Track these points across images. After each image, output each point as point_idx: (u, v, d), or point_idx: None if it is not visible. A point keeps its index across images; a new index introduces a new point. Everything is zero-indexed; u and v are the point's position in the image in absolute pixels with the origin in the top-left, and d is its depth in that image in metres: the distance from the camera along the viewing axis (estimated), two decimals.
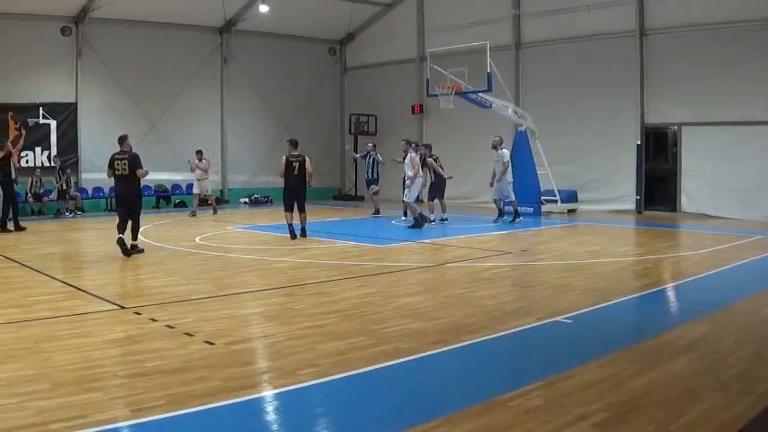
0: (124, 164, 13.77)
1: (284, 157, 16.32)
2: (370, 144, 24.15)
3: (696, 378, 6.14)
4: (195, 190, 23.62)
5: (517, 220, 19.72)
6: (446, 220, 19.49)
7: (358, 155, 24.49)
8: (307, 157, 16.39)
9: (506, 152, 19.72)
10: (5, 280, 11.16)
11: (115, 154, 13.95)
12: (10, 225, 18.11)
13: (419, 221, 18.08)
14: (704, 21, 20.53)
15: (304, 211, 16.41)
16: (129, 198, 14.05)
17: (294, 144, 16.49)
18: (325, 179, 29.32)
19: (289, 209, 16.25)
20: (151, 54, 26.08)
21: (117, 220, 13.85)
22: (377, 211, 22.41)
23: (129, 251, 13.60)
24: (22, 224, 18.62)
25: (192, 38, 27.35)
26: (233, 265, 13.09)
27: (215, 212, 23.35)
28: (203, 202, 24.06)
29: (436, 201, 19.75)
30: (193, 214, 22.68)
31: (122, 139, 14.13)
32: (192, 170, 23.40)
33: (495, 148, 19.55)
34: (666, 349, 7.02)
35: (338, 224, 20.17)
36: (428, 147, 19.91)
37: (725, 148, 20.55)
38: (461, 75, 21.00)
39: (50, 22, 24.01)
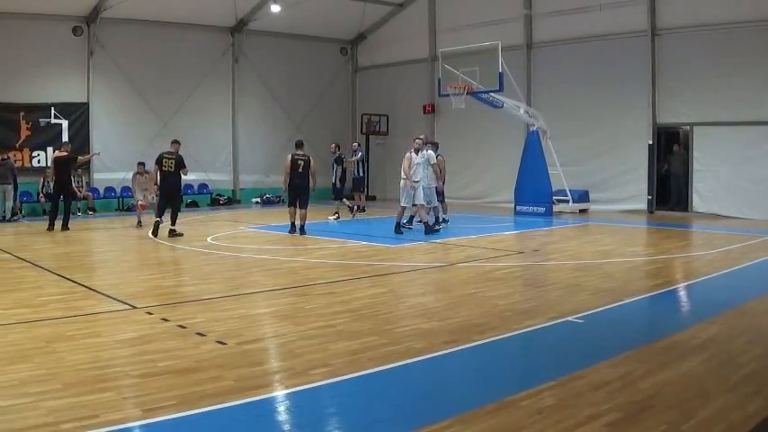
0: (171, 162, 16.83)
1: (290, 156, 17.43)
2: (356, 144, 24.62)
3: (707, 378, 6.11)
4: (137, 197, 20.28)
5: (437, 226, 17.94)
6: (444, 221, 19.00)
7: (353, 158, 24.20)
8: (311, 158, 17.51)
9: (432, 153, 17.94)
10: (17, 280, 11.21)
11: (164, 153, 17.00)
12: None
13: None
14: (716, 20, 20.46)
15: (305, 208, 17.32)
16: (172, 190, 17.03)
17: (299, 145, 17.73)
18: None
19: (293, 204, 17.33)
20: (163, 54, 26.17)
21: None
22: (362, 209, 23.01)
23: (157, 232, 16.45)
24: (41, 224, 19.10)
25: (203, 38, 27.43)
26: (244, 265, 13.12)
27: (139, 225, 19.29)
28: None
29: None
30: (140, 225, 19.24)
31: (173, 142, 17.36)
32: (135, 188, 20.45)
33: (417, 150, 17.43)
34: (678, 349, 7.00)
35: (349, 224, 20.16)
36: (435, 145, 19.27)
37: (737, 148, 20.47)
38: (473, 74, 20.97)
39: (62, 22, 24.10)
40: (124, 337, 7.51)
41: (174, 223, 16.82)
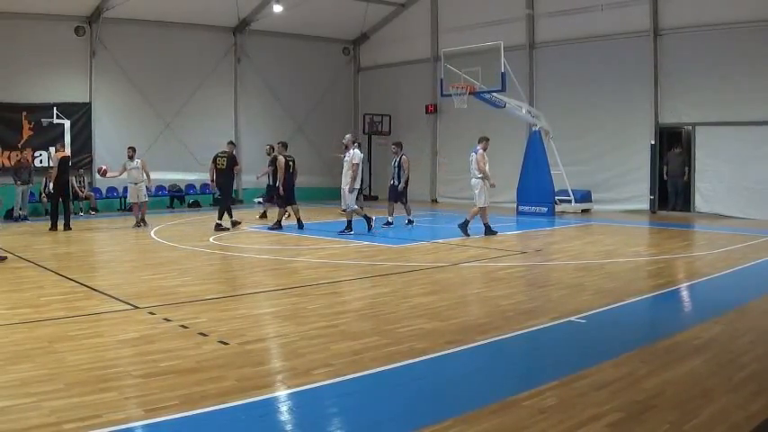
0: (223, 160, 18.48)
1: (283, 159, 18.55)
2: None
3: (710, 378, 6.11)
4: (131, 198, 20.02)
5: (348, 231, 17.35)
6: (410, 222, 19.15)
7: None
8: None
9: (357, 152, 17.75)
10: (19, 280, 11.21)
11: (219, 153, 18.70)
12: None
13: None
14: (718, 20, 20.44)
15: (296, 203, 18.84)
16: (224, 186, 18.70)
17: (286, 145, 19.11)
18: (339, 179, 29.23)
19: (293, 202, 18.65)
20: (165, 54, 26.16)
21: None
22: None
23: (226, 228, 17.93)
24: (43, 224, 19.21)
25: (205, 37, 27.43)
26: (247, 265, 13.12)
27: (144, 224, 19.37)
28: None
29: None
30: (138, 225, 19.33)
31: (228, 143, 19.36)
32: (121, 172, 19.73)
33: (347, 147, 17.72)
34: (680, 349, 6.99)
35: (352, 224, 20.10)
36: (399, 144, 19.32)
37: (739, 148, 20.45)
38: (475, 75, 20.94)
39: (64, 22, 24.12)
40: (126, 338, 7.51)
41: (220, 218, 18.09)
